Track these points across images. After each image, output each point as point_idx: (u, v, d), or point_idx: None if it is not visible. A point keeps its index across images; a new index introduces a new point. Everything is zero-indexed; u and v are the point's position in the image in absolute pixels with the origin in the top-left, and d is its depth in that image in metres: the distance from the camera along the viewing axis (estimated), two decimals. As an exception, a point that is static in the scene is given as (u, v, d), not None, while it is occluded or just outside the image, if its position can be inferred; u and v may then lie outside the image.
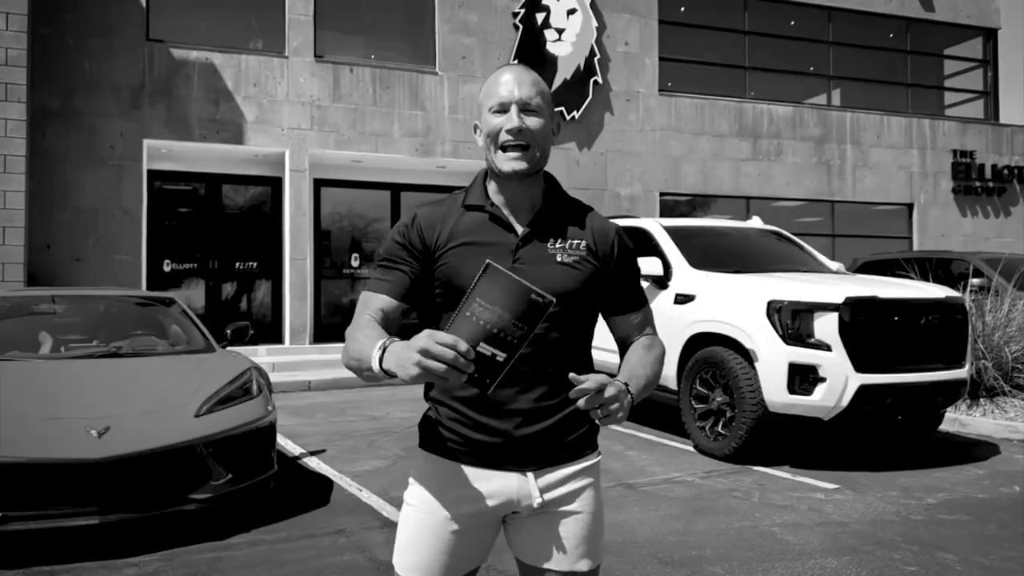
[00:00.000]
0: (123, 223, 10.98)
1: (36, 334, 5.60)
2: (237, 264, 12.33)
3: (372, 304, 1.67)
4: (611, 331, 1.80)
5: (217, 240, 12.19)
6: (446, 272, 1.64)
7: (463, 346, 1.33)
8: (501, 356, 1.38)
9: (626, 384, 1.56)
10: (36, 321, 5.88)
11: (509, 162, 1.63)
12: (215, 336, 5.85)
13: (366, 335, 1.55)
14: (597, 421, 1.47)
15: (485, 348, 1.37)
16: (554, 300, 1.37)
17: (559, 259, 1.65)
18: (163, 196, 11.97)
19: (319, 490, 5.11)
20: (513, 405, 1.61)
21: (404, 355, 1.36)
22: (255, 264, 12.44)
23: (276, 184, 12.37)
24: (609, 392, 1.45)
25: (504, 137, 1.62)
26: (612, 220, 1.83)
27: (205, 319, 11.69)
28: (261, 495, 4.53)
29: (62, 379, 4.60)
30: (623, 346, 1.78)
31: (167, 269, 11.89)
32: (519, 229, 1.67)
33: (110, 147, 10.95)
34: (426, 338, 1.33)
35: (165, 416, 4.24)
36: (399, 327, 1.67)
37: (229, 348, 5.68)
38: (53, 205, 10.66)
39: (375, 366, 1.45)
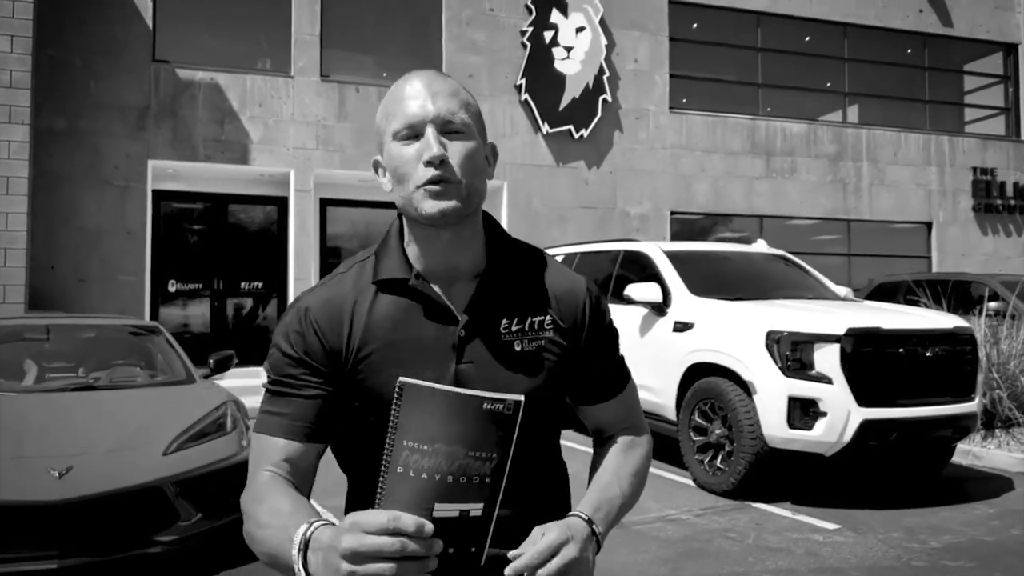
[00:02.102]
0: (128, 243, 10.96)
1: (22, 362, 5.54)
2: (242, 284, 12.28)
3: (269, 454, 1.19)
4: (583, 420, 1.40)
5: (222, 260, 12.15)
6: (369, 389, 1.20)
7: (408, 521, 0.91)
8: (476, 510, 0.96)
9: (589, 521, 1.17)
10: (23, 348, 5.82)
11: (434, 201, 1.15)
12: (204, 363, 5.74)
13: (273, 513, 1.10)
14: None
15: (445, 510, 0.94)
16: (521, 399, 0.98)
17: (518, 347, 1.22)
18: (168, 216, 11.96)
19: (298, 527, 4.95)
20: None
21: (331, 563, 0.94)
22: (260, 284, 12.38)
23: (282, 204, 12.32)
24: (564, 558, 1.06)
25: (421, 172, 1.15)
26: (575, 273, 1.37)
27: (209, 339, 11.65)
28: (233, 535, 4.38)
29: (32, 414, 4.49)
30: (597, 439, 1.39)
31: (172, 289, 11.86)
32: (458, 314, 1.21)
33: (115, 167, 10.96)
34: (350, 534, 0.92)
35: (132, 455, 4.11)
36: (315, 472, 1.25)
37: (213, 378, 5.56)
38: (58, 225, 10.66)
39: (299, 570, 1.00)
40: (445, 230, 1.19)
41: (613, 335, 1.36)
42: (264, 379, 1.28)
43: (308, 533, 1.00)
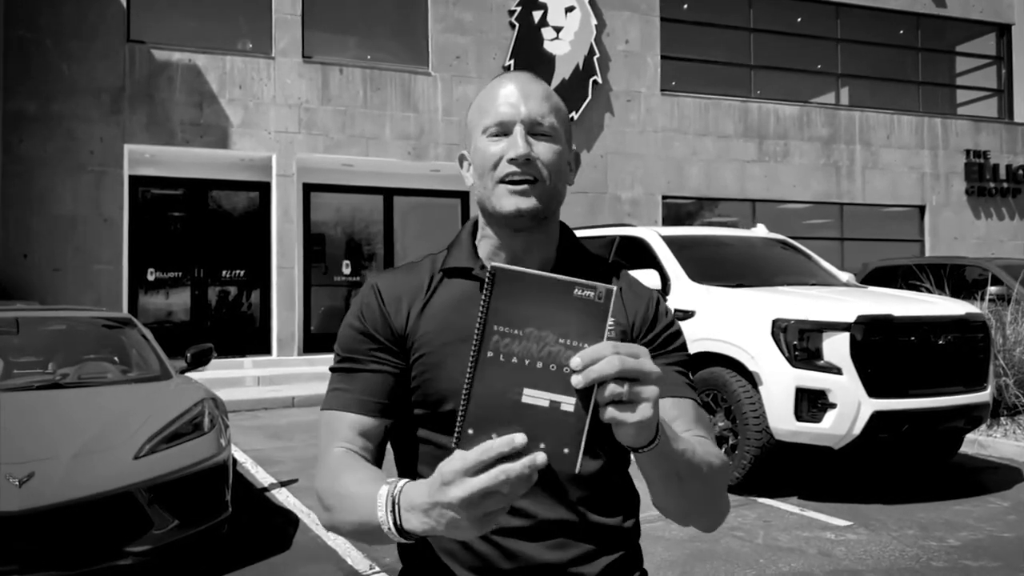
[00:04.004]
0: (104, 231, 10.59)
1: (-12, 357, 5.23)
2: (224, 272, 11.95)
3: (339, 429, 1.20)
4: None
5: (203, 248, 11.80)
6: (419, 376, 1.21)
7: (499, 443, 0.86)
8: (567, 404, 0.90)
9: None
10: (-11, 342, 5.50)
11: (514, 198, 1.17)
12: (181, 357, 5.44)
13: (353, 483, 1.08)
14: (606, 417, 0.91)
15: (535, 396, 0.90)
16: (614, 288, 0.91)
17: None
18: (146, 203, 11.59)
19: (282, 531, 4.69)
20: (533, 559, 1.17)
21: (445, 518, 0.90)
22: (242, 272, 12.04)
23: (264, 189, 11.97)
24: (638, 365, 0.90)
25: (505, 168, 1.18)
26: (622, 266, 1.35)
27: (190, 329, 11.32)
28: (212, 542, 4.10)
29: (-7, 415, 4.18)
30: None
31: (151, 278, 11.51)
32: None
33: (90, 152, 10.56)
34: (452, 486, 0.88)
35: (100, 459, 3.81)
36: (385, 448, 1.24)
37: (188, 373, 5.26)
38: (30, 213, 10.27)
39: (390, 531, 0.98)
40: (520, 231, 1.21)
41: (683, 346, 1.29)
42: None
43: (395, 492, 0.98)
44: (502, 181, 1.18)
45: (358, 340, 1.24)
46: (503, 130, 1.19)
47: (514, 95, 1.20)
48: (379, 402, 1.21)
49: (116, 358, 5.34)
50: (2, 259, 9.45)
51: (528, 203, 1.17)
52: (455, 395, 1.08)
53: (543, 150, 1.19)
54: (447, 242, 1.34)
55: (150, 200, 11.66)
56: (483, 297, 0.91)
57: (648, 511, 1.26)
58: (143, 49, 10.88)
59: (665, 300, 1.30)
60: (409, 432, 1.24)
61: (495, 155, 1.19)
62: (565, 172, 1.23)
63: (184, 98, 10.99)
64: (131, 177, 11.08)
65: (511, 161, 1.17)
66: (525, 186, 1.17)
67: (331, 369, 1.26)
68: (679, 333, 1.29)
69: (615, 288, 0.91)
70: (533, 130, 1.19)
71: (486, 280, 0.91)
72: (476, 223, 1.30)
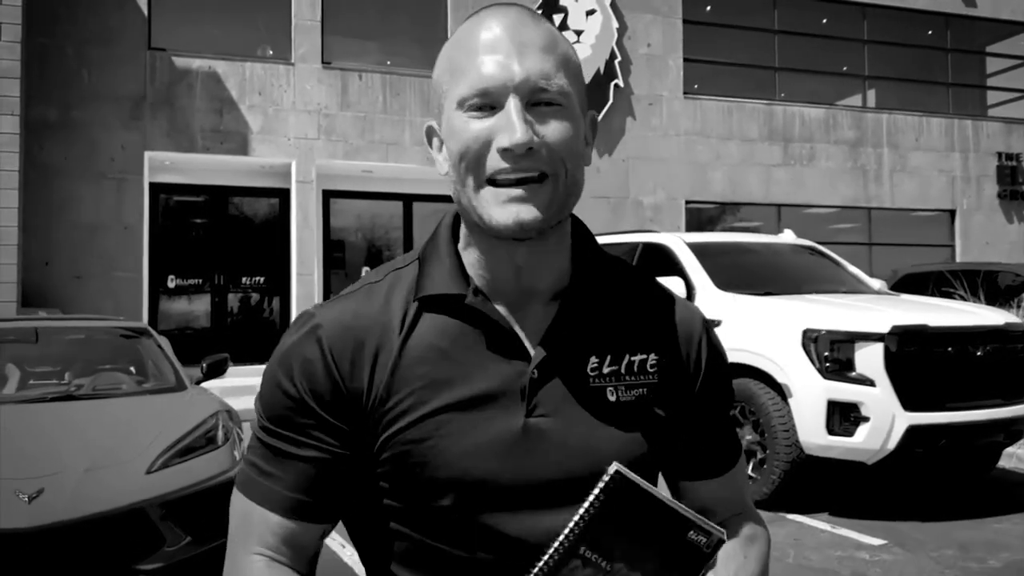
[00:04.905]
0: (124, 238, 10.60)
1: (3, 367, 5.19)
2: (244, 279, 11.93)
3: (260, 532, 0.87)
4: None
5: (223, 255, 11.79)
6: (396, 459, 0.85)
7: None
8: None
9: None
10: (6, 352, 5.46)
11: (511, 207, 0.81)
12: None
13: None
14: None
15: None
16: (724, 537, 0.76)
17: (611, 396, 0.88)
18: (166, 210, 11.60)
19: (297, 546, 4.58)
20: None
21: None
22: (262, 279, 12.02)
23: (284, 196, 11.93)
24: None
25: (496, 163, 0.81)
26: (665, 286, 1.03)
27: (210, 336, 11.30)
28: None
29: (5, 429, 4.12)
30: None
31: (171, 285, 11.51)
32: (529, 346, 0.87)
33: (110, 160, 10.58)
34: None
35: (112, 473, 3.73)
36: (320, 551, 0.93)
37: (203, 384, 5.18)
38: (51, 221, 10.29)
39: None
40: (521, 244, 0.85)
41: (730, 390, 1.02)
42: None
43: None
44: (492, 181, 0.82)
45: (290, 410, 0.86)
46: (488, 101, 0.81)
47: (503, 45, 0.81)
48: (316, 503, 0.86)
49: (132, 368, 5.28)
50: (24, 267, 9.47)
51: (531, 213, 0.81)
52: (454, 485, 0.83)
53: (552, 130, 0.81)
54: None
55: (170, 207, 11.68)
56: (587, 506, 0.74)
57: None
58: (164, 56, 10.89)
59: (709, 322, 1.04)
60: (377, 523, 0.89)
61: (479, 142, 0.81)
62: (581, 154, 0.86)
63: (204, 105, 10.99)
64: (151, 184, 11.09)
65: (504, 153, 0.80)
66: (527, 188, 0.81)
67: (253, 443, 0.90)
68: (728, 375, 1.02)
69: (723, 535, 0.76)
70: (535, 99, 0.81)
71: (602, 483, 0.73)
72: (456, 220, 0.94)
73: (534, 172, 0.81)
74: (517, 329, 0.88)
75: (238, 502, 0.90)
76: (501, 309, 0.88)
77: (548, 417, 0.86)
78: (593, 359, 0.88)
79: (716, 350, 0.98)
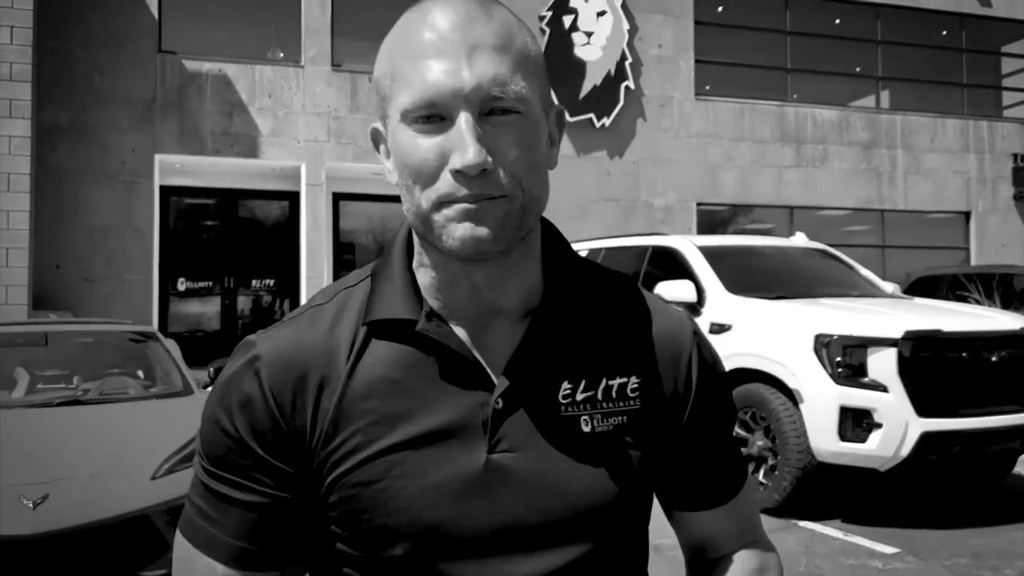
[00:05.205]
0: (135, 241, 10.63)
1: (13, 370, 5.20)
2: (254, 281, 11.97)
3: None
4: (676, 533, 0.94)
5: (233, 257, 11.83)
6: (345, 502, 0.78)
7: None
8: None
9: None
10: (14, 355, 5.48)
11: (464, 227, 0.73)
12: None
13: None
14: None
15: None
16: None
17: (586, 426, 0.80)
18: (176, 213, 11.64)
19: (303, 552, 4.56)
20: None
21: None
22: (272, 281, 12.04)
23: (293, 198, 11.95)
24: None
25: (447, 185, 0.73)
26: (668, 303, 0.92)
27: (220, 338, 11.32)
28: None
29: (10, 434, 4.11)
30: (696, 558, 0.93)
31: (181, 287, 11.55)
32: (492, 374, 0.80)
33: (121, 163, 10.62)
34: None
35: (116, 479, 3.71)
36: None
37: (210, 389, 5.17)
38: (62, 223, 10.34)
39: None
40: (479, 264, 0.77)
41: (730, 407, 0.91)
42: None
43: None
44: (443, 203, 0.73)
45: (230, 450, 0.79)
46: (436, 112, 0.72)
47: (450, 48, 0.72)
48: (262, 551, 0.80)
49: (139, 373, 5.28)
50: (35, 269, 9.51)
51: (485, 233, 0.72)
52: (407, 532, 0.76)
53: (508, 142, 0.73)
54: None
55: (181, 210, 11.72)
56: None
57: (670, 537, 0.99)
58: (174, 59, 10.92)
59: (700, 330, 0.92)
60: (332, 570, 0.82)
61: (429, 164, 0.73)
62: (543, 161, 0.77)
63: (214, 108, 11.01)
64: (162, 187, 11.13)
65: (456, 175, 0.72)
66: (483, 205, 0.72)
67: (195, 485, 0.83)
68: (728, 393, 0.91)
69: None
70: (489, 107, 0.72)
71: None
72: (409, 236, 0.85)
73: (489, 193, 0.72)
74: (478, 355, 0.79)
75: (182, 545, 0.83)
76: (461, 332, 0.80)
77: (513, 452, 0.77)
78: (566, 385, 0.80)
79: (709, 365, 0.87)
